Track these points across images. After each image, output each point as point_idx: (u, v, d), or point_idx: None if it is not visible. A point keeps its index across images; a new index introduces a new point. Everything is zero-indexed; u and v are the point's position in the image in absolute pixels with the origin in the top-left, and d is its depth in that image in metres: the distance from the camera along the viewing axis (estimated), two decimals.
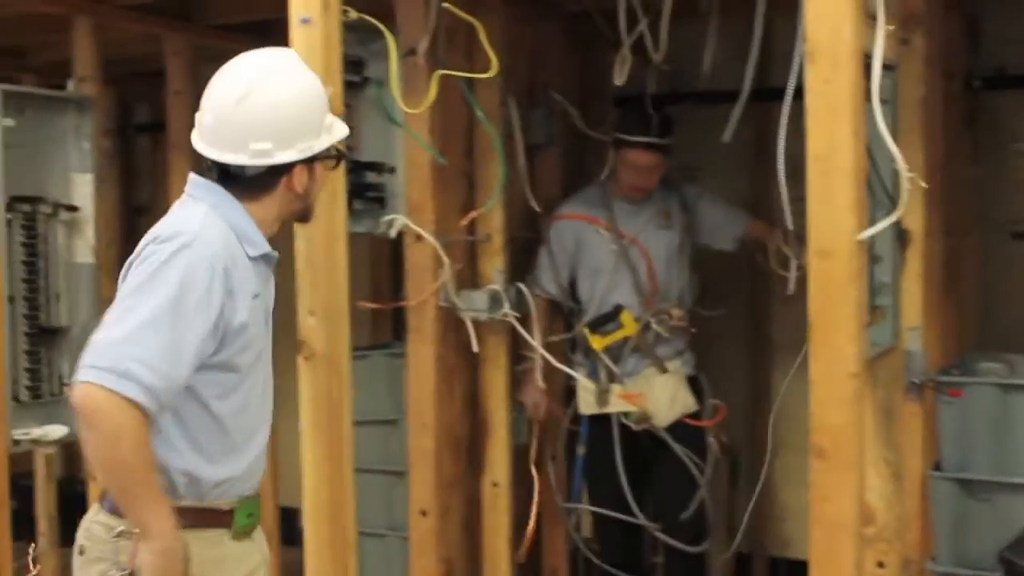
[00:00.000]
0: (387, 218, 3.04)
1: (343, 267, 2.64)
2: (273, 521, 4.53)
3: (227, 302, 2.11)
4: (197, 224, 2.14)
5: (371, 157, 3.02)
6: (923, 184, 2.47)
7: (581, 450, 3.70)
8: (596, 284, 3.67)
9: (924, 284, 2.77)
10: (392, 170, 3.08)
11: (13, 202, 3.40)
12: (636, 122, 3.60)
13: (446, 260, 3.17)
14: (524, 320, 3.40)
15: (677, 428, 3.64)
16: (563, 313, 3.77)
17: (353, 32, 2.86)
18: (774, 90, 2.32)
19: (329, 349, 2.59)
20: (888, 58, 2.47)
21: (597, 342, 3.61)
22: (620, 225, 3.66)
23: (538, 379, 3.57)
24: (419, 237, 3.17)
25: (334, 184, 2.62)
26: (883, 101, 2.38)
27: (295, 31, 2.62)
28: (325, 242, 2.59)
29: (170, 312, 2.03)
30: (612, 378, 3.61)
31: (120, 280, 2.16)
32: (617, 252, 3.64)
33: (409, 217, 3.11)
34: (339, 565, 2.60)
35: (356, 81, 2.95)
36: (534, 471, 3.58)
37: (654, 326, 3.60)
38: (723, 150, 3.62)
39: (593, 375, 3.62)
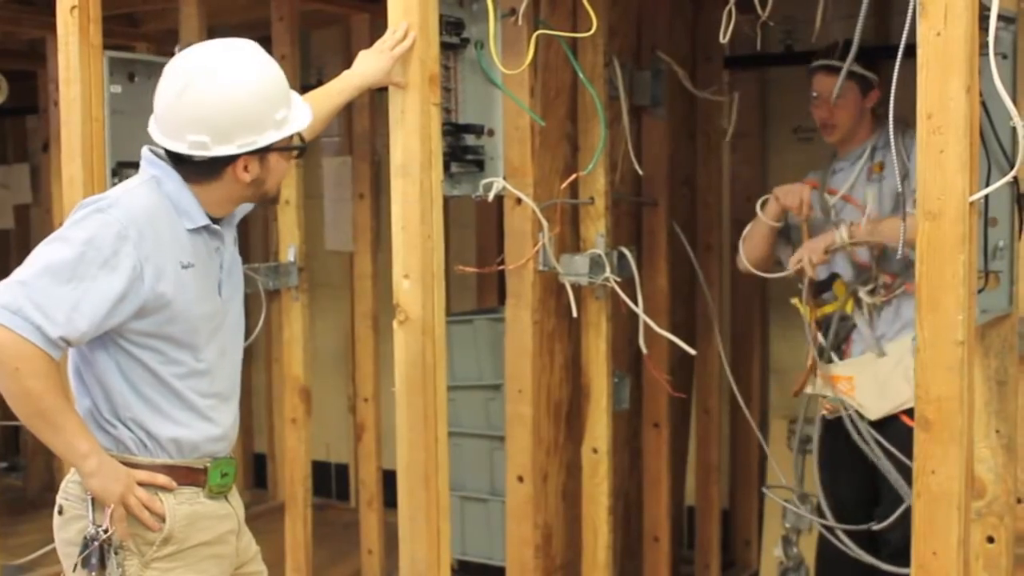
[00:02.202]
0: (486, 181, 2.99)
1: (439, 230, 2.62)
2: (376, 484, 4.59)
3: (145, 266, 2.17)
4: (121, 191, 2.25)
5: (470, 119, 2.97)
6: None
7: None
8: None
9: None
10: (492, 133, 3.04)
11: (120, 167, 3.45)
12: (819, 52, 3.40)
13: (545, 224, 3.13)
14: (627, 285, 3.34)
15: (891, 424, 3.22)
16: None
17: None
18: (895, 48, 2.22)
19: (424, 313, 2.58)
20: (1008, 10, 2.35)
21: (808, 314, 3.36)
22: (833, 184, 3.41)
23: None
24: (518, 201, 3.14)
25: (431, 146, 2.60)
26: (1002, 55, 2.26)
27: None
28: (420, 205, 2.57)
29: (71, 266, 2.12)
30: (821, 355, 3.34)
31: None
32: (826, 213, 3.37)
33: (509, 180, 3.06)
34: (432, 529, 2.59)
35: (455, 42, 2.91)
36: None
37: (863, 296, 3.27)
38: None
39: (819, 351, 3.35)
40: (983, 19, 2.11)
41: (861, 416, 3.28)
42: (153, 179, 2.28)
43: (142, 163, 2.34)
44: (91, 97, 3.19)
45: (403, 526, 2.64)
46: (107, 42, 3.26)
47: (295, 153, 2.37)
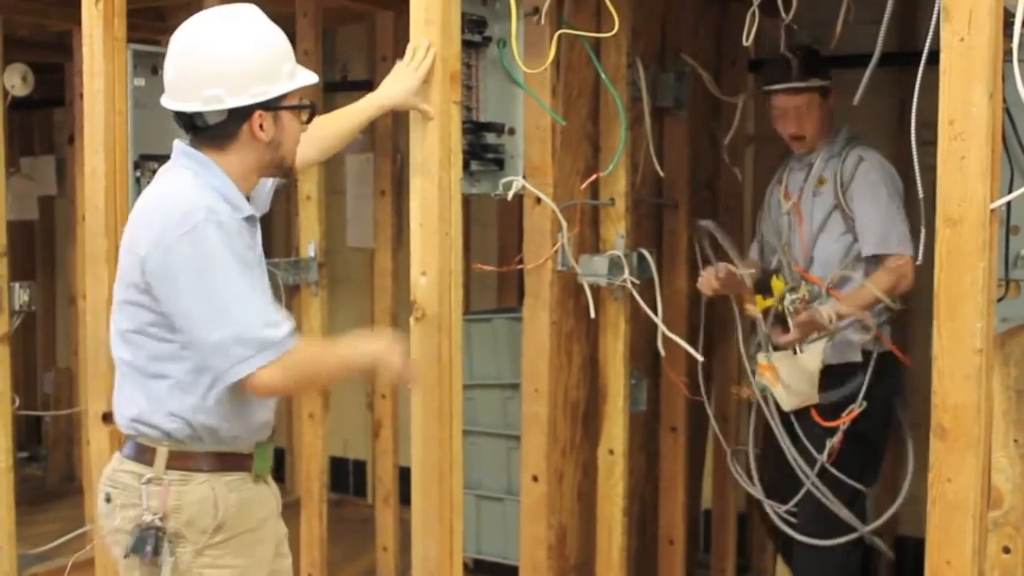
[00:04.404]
0: (505, 180, 2.99)
1: (457, 228, 2.62)
2: (392, 481, 4.59)
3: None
4: (195, 195, 2.25)
5: (491, 118, 2.97)
6: None
7: None
8: (774, 249, 3.57)
9: None
10: (512, 131, 3.03)
11: (142, 160, 3.47)
12: (774, 69, 3.50)
13: (564, 223, 3.12)
14: (647, 287, 3.33)
15: (804, 417, 3.42)
16: None
17: None
18: (920, 54, 2.20)
19: (440, 310, 2.58)
20: None
21: (758, 304, 3.47)
22: (791, 183, 3.55)
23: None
24: (538, 200, 3.13)
25: (450, 144, 2.60)
26: None
27: None
28: (439, 203, 2.57)
29: (235, 279, 2.21)
30: (760, 346, 3.50)
31: (122, 249, 2.32)
32: (784, 215, 3.53)
33: (529, 179, 3.05)
34: (445, 526, 2.59)
35: (477, 40, 2.90)
36: None
37: (786, 302, 3.38)
38: (863, 117, 3.48)
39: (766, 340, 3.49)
40: (1008, 25, 2.09)
41: (778, 406, 3.47)
42: (195, 175, 2.30)
43: (174, 155, 2.36)
44: (115, 90, 3.21)
45: (416, 523, 2.64)
46: (133, 36, 3.28)
47: (306, 116, 2.40)
